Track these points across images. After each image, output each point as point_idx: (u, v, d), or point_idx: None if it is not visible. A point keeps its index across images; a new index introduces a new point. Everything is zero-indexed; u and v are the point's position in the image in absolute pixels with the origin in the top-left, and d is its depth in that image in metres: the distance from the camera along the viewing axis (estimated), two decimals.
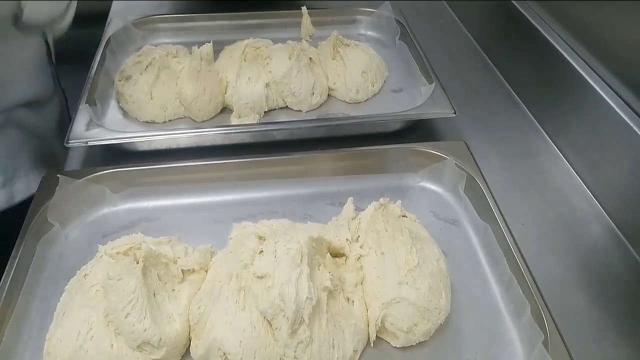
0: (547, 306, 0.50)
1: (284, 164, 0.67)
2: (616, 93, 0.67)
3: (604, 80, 0.69)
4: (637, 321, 0.56)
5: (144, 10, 0.95)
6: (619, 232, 0.66)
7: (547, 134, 0.80)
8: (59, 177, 0.60)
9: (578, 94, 0.72)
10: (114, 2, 1.01)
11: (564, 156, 0.76)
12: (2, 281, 0.52)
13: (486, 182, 0.63)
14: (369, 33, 0.97)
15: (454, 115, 0.71)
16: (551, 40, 0.77)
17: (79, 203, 0.62)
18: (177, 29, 0.92)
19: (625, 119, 0.64)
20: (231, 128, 0.72)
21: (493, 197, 0.61)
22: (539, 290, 0.52)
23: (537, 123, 0.82)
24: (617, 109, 0.65)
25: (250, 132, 0.71)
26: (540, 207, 0.69)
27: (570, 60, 0.73)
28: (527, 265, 0.54)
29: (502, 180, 0.71)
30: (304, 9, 0.90)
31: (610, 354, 0.54)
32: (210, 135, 0.69)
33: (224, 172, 0.66)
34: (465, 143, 0.68)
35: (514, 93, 0.88)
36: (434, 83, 0.76)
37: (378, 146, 0.69)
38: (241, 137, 0.71)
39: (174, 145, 0.71)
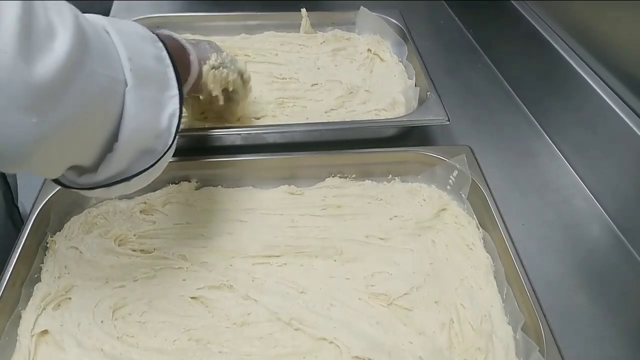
0: (545, 316, 0.50)
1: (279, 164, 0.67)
2: (616, 93, 0.67)
3: (603, 81, 0.69)
4: (637, 321, 0.57)
5: (144, 11, 0.95)
6: (619, 232, 0.66)
7: (547, 134, 0.80)
8: None
9: (578, 94, 0.72)
10: (114, 2, 1.01)
11: (563, 156, 0.76)
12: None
13: (489, 188, 0.62)
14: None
15: (448, 123, 0.69)
16: (551, 41, 0.77)
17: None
18: (178, 28, 0.92)
19: (625, 119, 0.64)
20: (230, 130, 0.70)
21: (496, 205, 0.60)
22: (539, 303, 0.51)
23: (536, 123, 0.82)
24: (617, 109, 0.65)
25: (240, 134, 0.70)
26: (540, 207, 0.69)
27: (570, 61, 0.73)
28: (527, 276, 0.53)
29: (501, 180, 0.71)
30: (303, 10, 0.90)
31: (610, 353, 0.54)
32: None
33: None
34: (470, 148, 0.67)
35: (514, 93, 0.88)
36: (430, 93, 0.74)
37: (382, 149, 0.68)
38: (232, 138, 0.70)
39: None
